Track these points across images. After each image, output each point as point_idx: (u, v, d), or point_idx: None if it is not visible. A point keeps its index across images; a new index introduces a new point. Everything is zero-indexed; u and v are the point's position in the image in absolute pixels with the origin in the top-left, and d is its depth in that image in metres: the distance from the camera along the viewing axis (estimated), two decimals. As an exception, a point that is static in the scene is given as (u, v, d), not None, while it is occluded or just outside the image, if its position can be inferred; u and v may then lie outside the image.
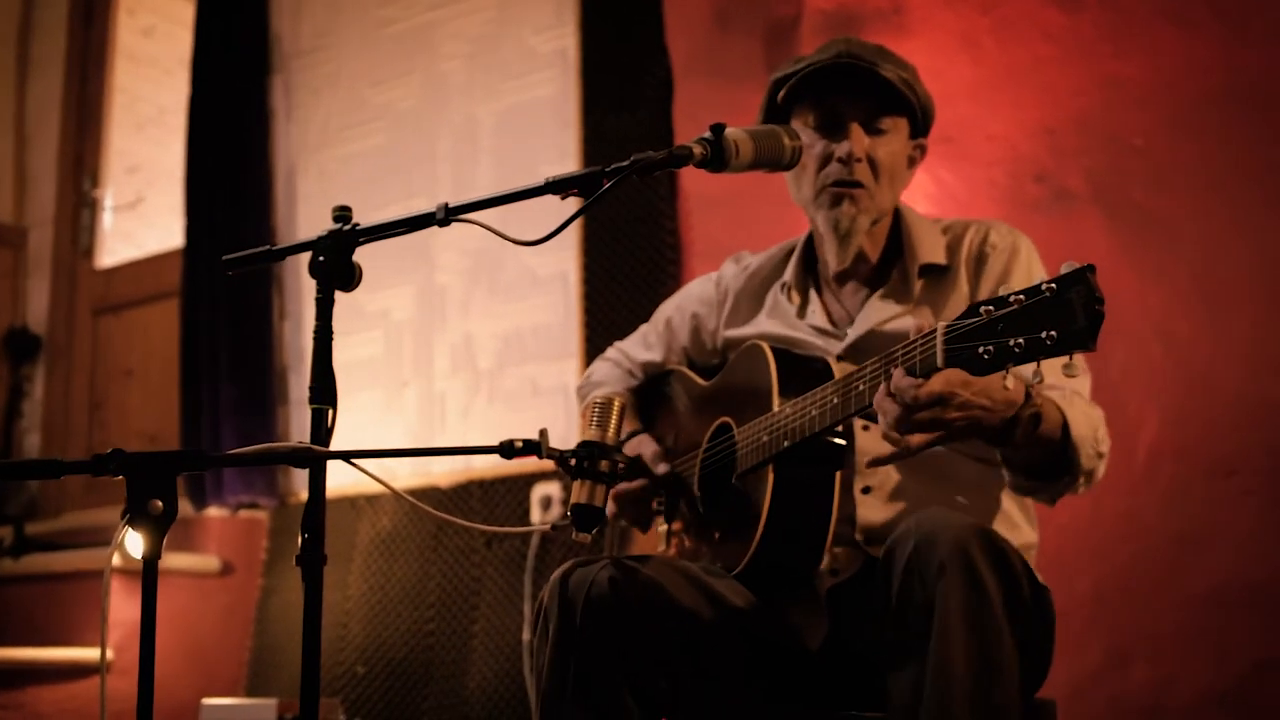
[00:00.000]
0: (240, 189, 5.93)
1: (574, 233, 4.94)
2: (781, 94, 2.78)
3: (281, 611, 5.45)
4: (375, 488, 5.21)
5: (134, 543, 4.77)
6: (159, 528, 2.11)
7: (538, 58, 5.29)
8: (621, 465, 2.42)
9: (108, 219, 7.02)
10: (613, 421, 2.43)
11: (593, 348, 4.81)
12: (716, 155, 2.31)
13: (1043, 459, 2.40)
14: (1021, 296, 1.97)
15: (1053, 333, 1.93)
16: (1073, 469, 2.41)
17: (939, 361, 2.10)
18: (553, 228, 2.28)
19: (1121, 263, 3.76)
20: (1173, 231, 3.77)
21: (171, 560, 5.39)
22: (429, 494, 5.14)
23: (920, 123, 2.79)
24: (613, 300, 4.82)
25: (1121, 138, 3.84)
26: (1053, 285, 1.94)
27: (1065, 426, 2.37)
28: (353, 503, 5.35)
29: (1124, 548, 3.70)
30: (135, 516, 2.11)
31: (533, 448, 2.29)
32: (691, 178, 4.63)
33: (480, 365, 5.26)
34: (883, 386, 2.23)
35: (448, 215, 2.30)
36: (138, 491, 2.13)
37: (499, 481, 5.00)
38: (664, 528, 2.92)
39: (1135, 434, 3.70)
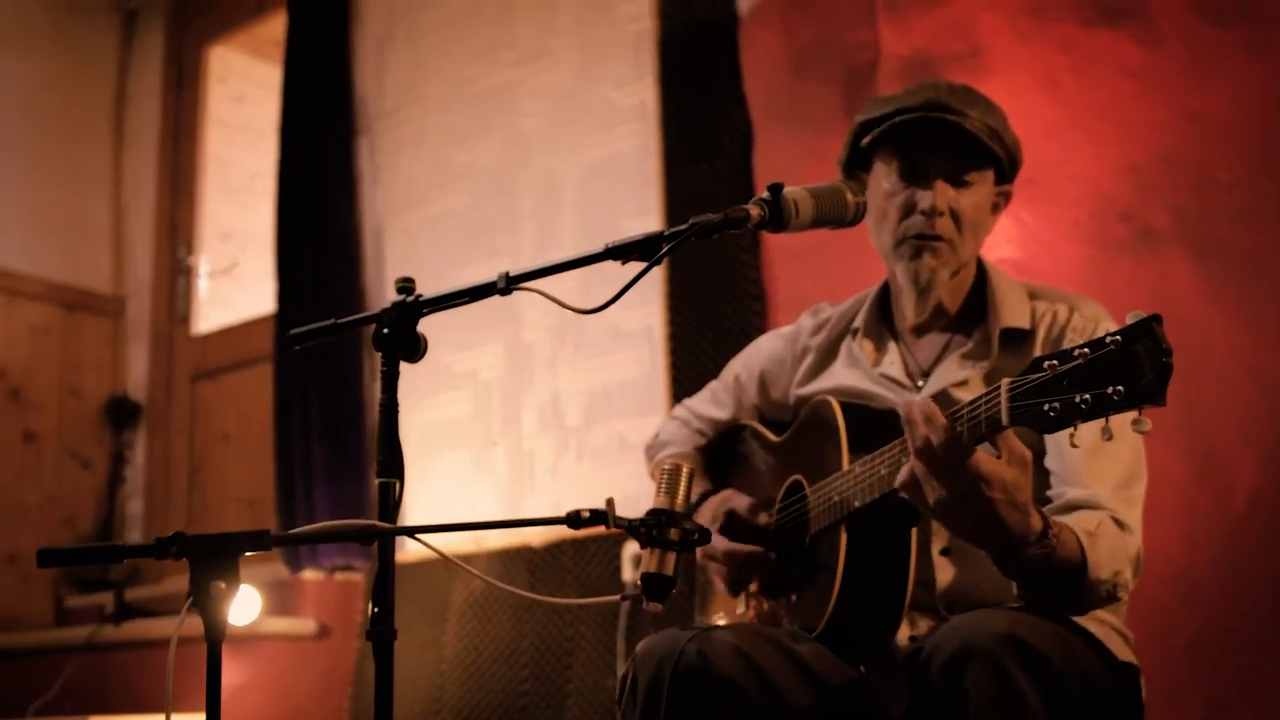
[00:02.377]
0: (328, 252, 5.96)
1: (658, 288, 4.90)
2: (866, 140, 2.73)
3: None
4: (468, 548, 5.21)
5: (238, 608, 4.74)
6: (222, 609, 2.09)
7: (618, 112, 5.28)
8: (695, 534, 2.38)
9: (203, 285, 7.11)
10: (681, 488, 2.39)
11: (679, 401, 4.75)
12: (775, 216, 2.27)
13: (1045, 587, 2.31)
14: (1086, 350, 1.90)
15: (1120, 387, 1.85)
16: (1077, 600, 2.34)
17: (1004, 419, 2.03)
18: (630, 285, 2.24)
19: (1209, 301, 3.66)
20: (1261, 267, 3.65)
21: (268, 624, 5.42)
22: (522, 554, 5.12)
23: (1007, 170, 2.74)
24: (698, 354, 4.78)
25: (1206, 173, 3.74)
26: (1117, 337, 1.87)
27: (1083, 565, 2.29)
28: (446, 564, 5.31)
29: (1222, 595, 3.58)
30: (198, 599, 2.10)
31: (600, 517, 2.25)
32: (773, 230, 4.57)
33: (568, 423, 5.23)
34: (934, 434, 2.14)
35: (509, 284, 2.30)
36: (200, 574, 2.11)
37: (591, 540, 4.97)
38: (744, 593, 2.88)
39: (1232, 477, 3.59)
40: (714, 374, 3.20)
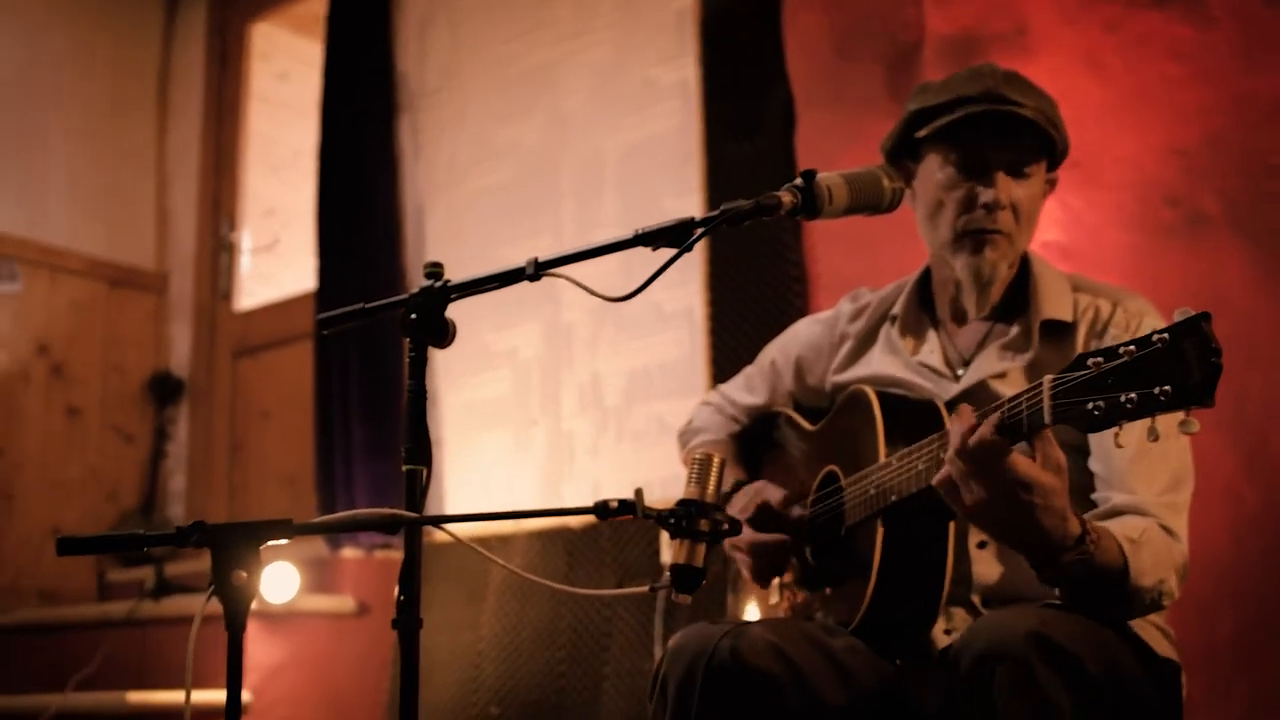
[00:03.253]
0: (370, 229, 5.96)
1: (699, 268, 4.86)
2: (923, 132, 2.66)
3: (420, 652, 5.40)
4: (507, 528, 5.19)
5: (272, 587, 4.73)
6: (243, 598, 2.07)
7: (659, 89, 5.24)
8: (725, 525, 2.34)
9: (245, 262, 7.13)
10: (712, 478, 2.36)
11: (719, 383, 4.71)
12: (808, 202, 2.22)
13: (1087, 597, 2.25)
14: (1132, 348, 1.85)
15: (1166, 387, 1.80)
16: (1122, 607, 2.29)
17: (1046, 417, 1.98)
18: (675, 266, 2.21)
19: (1260, 290, 3.58)
20: (1313, 255, 3.59)
21: (307, 601, 5.41)
22: (560, 535, 5.10)
23: (1058, 157, 2.69)
24: (739, 335, 4.74)
25: (1257, 156, 3.66)
26: (1165, 335, 1.82)
27: (1125, 572, 2.24)
28: (485, 543, 5.31)
29: (1270, 588, 3.52)
30: (219, 588, 2.08)
31: (628, 508, 2.22)
32: (815, 210, 4.52)
33: (608, 403, 5.21)
34: (968, 430, 2.10)
35: (538, 270, 2.27)
36: (221, 563, 2.09)
37: (629, 522, 4.93)
38: (775, 581, 2.83)
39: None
40: (754, 355, 3.15)
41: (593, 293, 2.24)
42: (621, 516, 2.20)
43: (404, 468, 2.26)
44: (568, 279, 2.24)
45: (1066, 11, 3.97)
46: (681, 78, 5.15)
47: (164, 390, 7.05)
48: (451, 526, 2.31)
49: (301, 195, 6.74)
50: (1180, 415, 1.80)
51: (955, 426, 2.11)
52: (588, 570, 4.98)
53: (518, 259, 2.26)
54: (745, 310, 4.77)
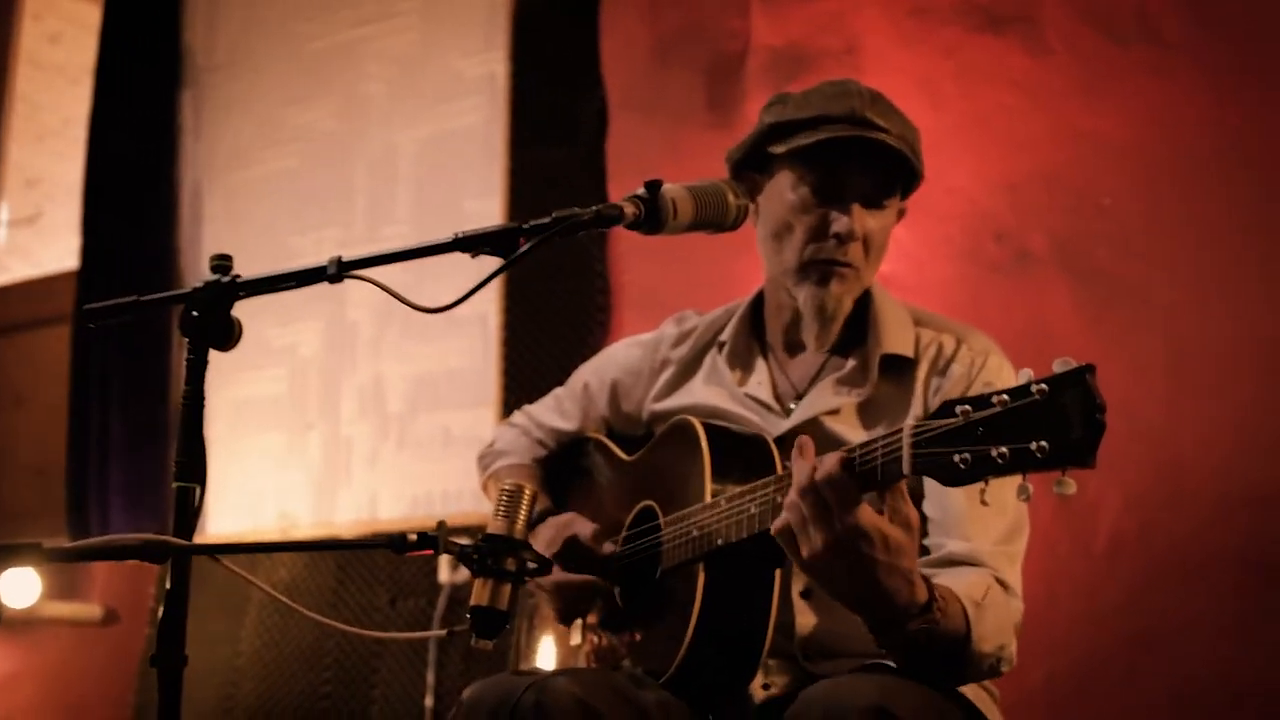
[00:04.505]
0: (142, 209, 5.66)
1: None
2: (782, 149, 2.44)
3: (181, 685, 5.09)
4: (273, 536, 4.91)
5: (10, 592, 4.28)
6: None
7: (464, 83, 5.02)
8: (533, 564, 2.12)
9: (1, 235, 6.68)
10: (522, 512, 2.15)
11: (511, 396, 4.54)
12: (651, 215, 2.07)
13: (924, 665, 2.08)
14: (1006, 397, 1.68)
15: (1043, 443, 1.63)
16: (958, 673, 2.13)
17: (905, 467, 1.80)
18: (470, 272, 2.00)
19: (1085, 331, 3.52)
20: (1141, 299, 3.54)
21: (49, 608, 5.13)
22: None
23: (913, 187, 2.50)
24: (535, 347, 4.55)
25: (1089, 196, 3.60)
26: (1044, 386, 1.64)
27: (967, 638, 2.07)
28: (247, 583, 5.00)
29: (1080, 643, 3.44)
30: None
31: (429, 541, 2.04)
32: (624, 219, 4.35)
33: (390, 409, 4.97)
34: (817, 471, 1.90)
35: (340, 271, 2.06)
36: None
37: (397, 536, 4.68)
38: (578, 621, 2.60)
39: (1094, 517, 3.45)
40: (550, 369, 2.95)
41: (405, 301, 2.07)
42: (420, 551, 2.00)
43: (174, 484, 1.99)
44: (374, 283, 2.08)
45: (902, 33, 3.86)
46: (489, 72, 4.95)
47: (-96, 368, 6.52)
48: (230, 560, 2.04)
49: (71, 167, 6.34)
50: (1056, 474, 1.64)
51: (799, 463, 1.91)
52: (359, 587, 4.74)
53: (303, 251, 2.03)
54: (544, 320, 4.58)
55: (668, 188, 2.08)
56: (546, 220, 2.00)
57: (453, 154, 4.99)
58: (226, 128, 5.68)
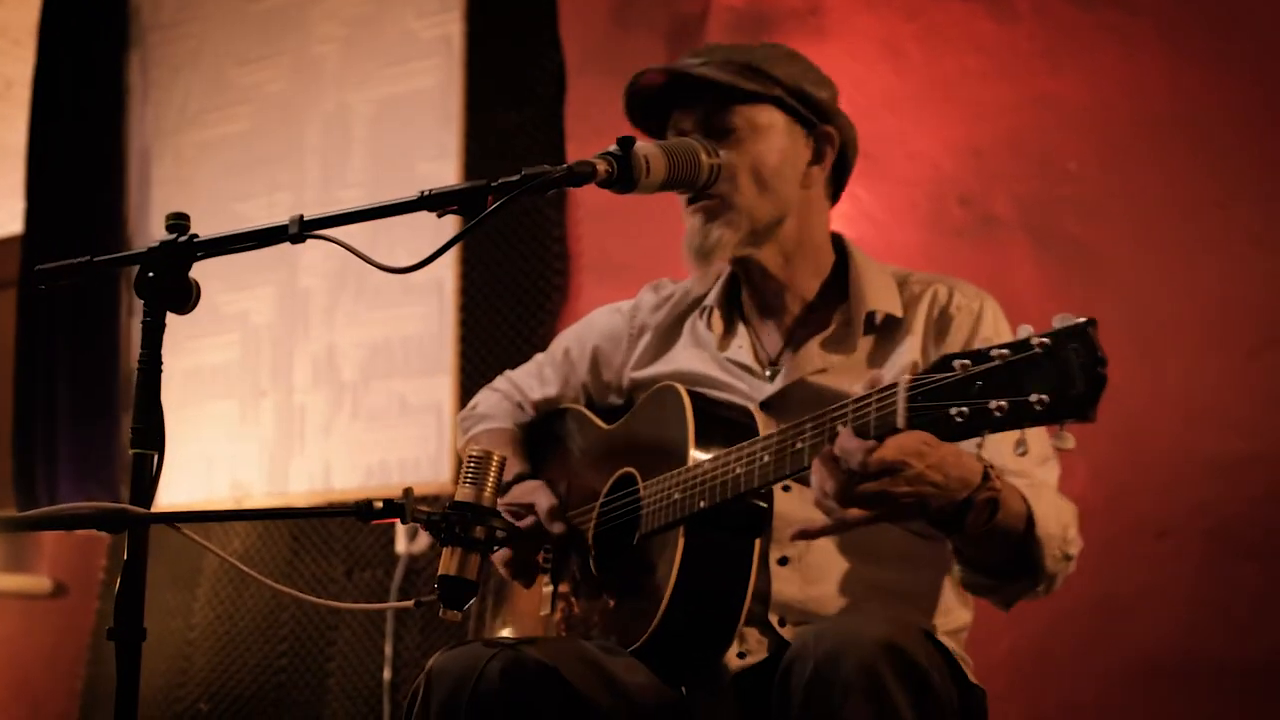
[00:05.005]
0: (88, 172, 5.54)
1: (451, 236, 4.55)
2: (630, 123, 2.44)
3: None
4: (226, 505, 4.82)
5: None
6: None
7: (419, 44, 4.93)
8: (501, 532, 2.07)
9: (-59, 199, 6.53)
10: (490, 478, 2.11)
11: (468, 363, 4.47)
12: (624, 173, 2.03)
13: (999, 555, 2.08)
14: (1005, 351, 1.66)
15: (1044, 397, 1.62)
16: (1033, 570, 2.10)
17: (899, 421, 1.78)
18: (427, 236, 1.94)
19: (1047, 296, 3.49)
20: (1105, 265, 3.51)
21: None
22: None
23: (800, 108, 2.41)
24: (492, 313, 4.47)
25: (1054, 161, 3.57)
26: (1045, 340, 1.63)
27: (1030, 520, 2.04)
28: (206, 550, 4.91)
29: (1044, 610, 3.37)
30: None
31: (395, 509, 1.99)
32: (582, 183, 4.29)
33: (344, 377, 4.89)
34: (826, 447, 1.90)
35: (302, 230, 2.01)
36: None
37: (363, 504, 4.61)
38: (549, 588, 2.55)
39: (1062, 488, 3.40)
40: (507, 336, 2.89)
41: (370, 261, 2.01)
42: (385, 519, 1.96)
43: (131, 451, 1.93)
44: (338, 242, 2.02)
45: (867, -7, 3.80)
46: (445, 33, 4.86)
47: None
48: (189, 528, 1.99)
49: (14, 131, 6.21)
50: (1055, 429, 1.62)
51: (849, 447, 1.86)
52: (313, 557, 4.68)
53: (254, 215, 1.98)
54: (500, 287, 4.50)
55: (640, 145, 2.04)
56: (515, 178, 1.96)
57: (407, 117, 4.90)
58: (175, 89, 5.56)
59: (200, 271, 2.02)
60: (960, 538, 2.03)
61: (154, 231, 5.26)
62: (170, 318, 2.00)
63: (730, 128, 2.35)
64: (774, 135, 2.38)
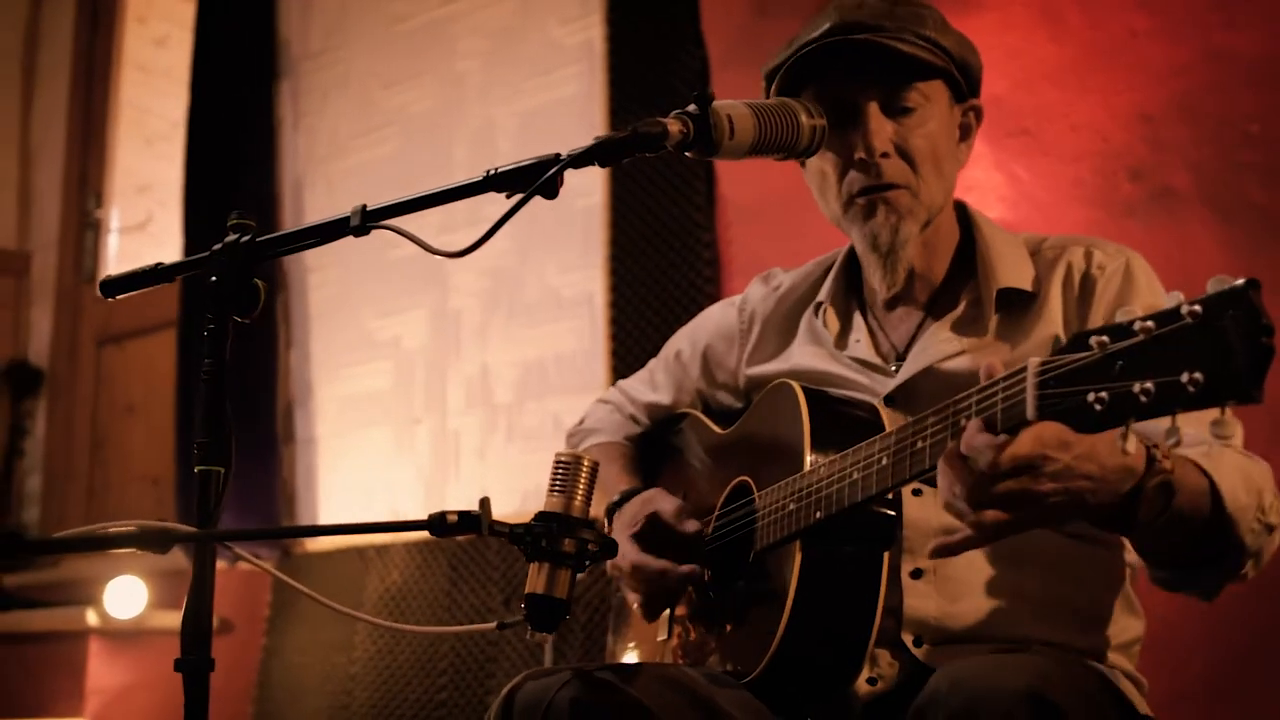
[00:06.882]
0: (243, 206, 5.44)
1: (600, 250, 4.43)
2: (771, 92, 2.20)
3: (286, 674, 4.99)
4: (384, 539, 4.71)
5: (117, 602, 4.09)
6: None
7: (562, 52, 4.80)
8: (594, 545, 1.86)
9: (113, 241, 6.66)
10: (580, 486, 1.91)
11: (620, 378, 4.27)
12: (702, 135, 1.81)
13: (1189, 544, 1.81)
14: (1150, 324, 1.42)
15: (1197, 375, 1.37)
16: (1233, 550, 1.82)
17: (1029, 412, 1.55)
18: (507, 217, 1.80)
19: (1237, 274, 3.14)
20: (1298, 235, 3.20)
21: (160, 618, 4.99)
22: (443, 547, 4.65)
23: (962, 81, 2.19)
24: (643, 325, 4.30)
25: (1233, 124, 3.26)
26: (1196, 308, 1.38)
27: (1215, 494, 1.77)
28: (360, 553, 4.84)
29: (1243, 616, 3.07)
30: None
31: (470, 522, 1.79)
32: (730, 184, 4.17)
33: (498, 399, 4.77)
34: (951, 445, 1.67)
35: (364, 222, 1.90)
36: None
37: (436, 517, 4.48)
38: (667, 611, 2.33)
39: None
40: (659, 347, 2.67)
41: (424, 245, 1.88)
42: (461, 534, 1.80)
43: (196, 469, 1.87)
44: (397, 230, 1.95)
45: (1019, -42, 3.54)
46: (586, 39, 4.72)
47: (21, 381, 6.53)
48: (242, 547, 1.83)
49: (179, 171, 6.23)
50: (1214, 413, 1.38)
51: (976, 444, 1.64)
52: (471, 587, 4.55)
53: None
54: (650, 296, 4.32)
55: (723, 103, 1.84)
56: (583, 149, 1.83)
57: (552, 126, 4.77)
58: (324, 116, 5.54)
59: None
60: (1136, 533, 1.77)
61: (308, 262, 5.21)
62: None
63: (911, 104, 2.14)
64: (940, 110, 2.18)
